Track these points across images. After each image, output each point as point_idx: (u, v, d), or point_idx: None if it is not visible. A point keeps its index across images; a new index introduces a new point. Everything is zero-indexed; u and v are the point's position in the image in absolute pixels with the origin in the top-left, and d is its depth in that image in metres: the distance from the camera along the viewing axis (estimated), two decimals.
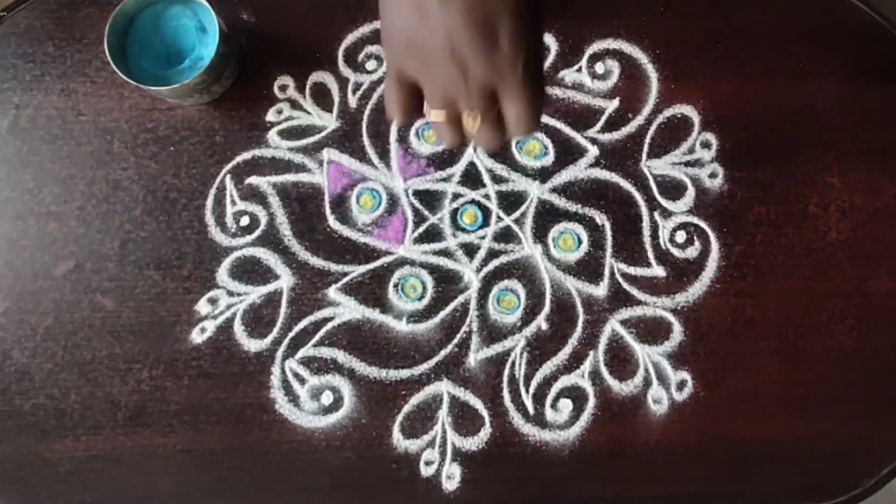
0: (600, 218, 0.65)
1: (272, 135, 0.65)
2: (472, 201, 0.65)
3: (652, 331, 0.64)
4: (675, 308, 0.65)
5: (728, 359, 0.64)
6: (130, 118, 0.65)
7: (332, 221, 0.64)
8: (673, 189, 0.66)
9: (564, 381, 0.64)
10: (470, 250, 0.65)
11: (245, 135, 0.65)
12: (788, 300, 0.65)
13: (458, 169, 0.65)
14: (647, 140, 0.66)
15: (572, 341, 0.64)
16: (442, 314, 0.64)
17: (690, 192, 0.66)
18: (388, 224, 0.65)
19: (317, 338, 0.63)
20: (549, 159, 0.66)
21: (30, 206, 0.64)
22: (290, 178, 0.65)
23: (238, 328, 0.63)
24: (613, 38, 0.67)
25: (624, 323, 0.64)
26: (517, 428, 0.63)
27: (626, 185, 0.66)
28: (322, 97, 0.66)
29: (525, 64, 0.39)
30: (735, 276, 0.65)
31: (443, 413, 0.63)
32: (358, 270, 0.64)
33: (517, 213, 0.65)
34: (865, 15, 0.68)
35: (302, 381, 0.63)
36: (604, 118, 0.66)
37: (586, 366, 0.64)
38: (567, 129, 0.66)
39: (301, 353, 0.63)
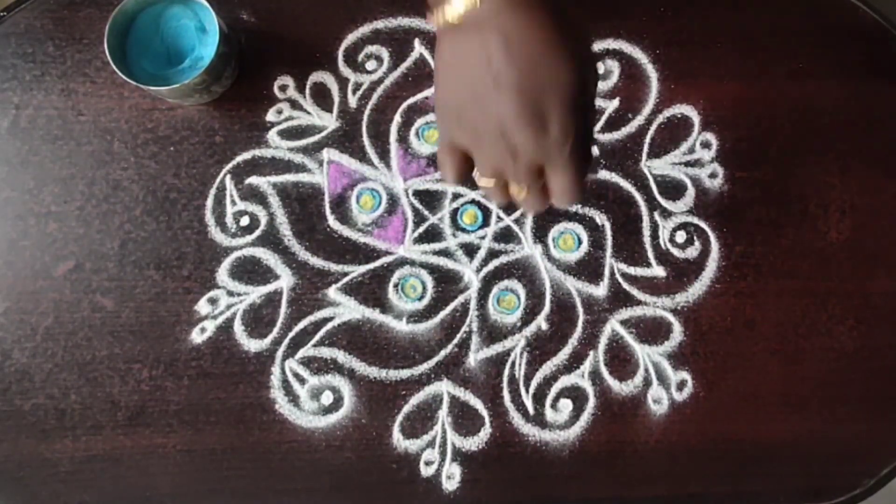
0: (600, 218, 0.65)
1: (272, 135, 0.65)
2: (472, 201, 0.65)
3: (652, 331, 0.64)
4: (675, 308, 0.65)
5: (728, 359, 0.64)
6: (130, 118, 0.65)
7: (332, 221, 0.64)
8: (673, 189, 0.66)
9: (564, 381, 0.64)
10: (470, 250, 0.65)
11: (245, 135, 0.65)
12: (788, 300, 0.65)
13: None
14: (647, 140, 0.66)
15: (572, 341, 0.64)
16: (442, 314, 0.64)
17: (690, 192, 0.66)
18: (388, 224, 0.65)
19: (317, 338, 0.63)
20: None
21: (30, 206, 0.64)
22: (290, 178, 0.65)
23: (238, 328, 0.63)
24: (613, 38, 0.67)
25: (624, 323, 0.64)
26: (517, 428, 0.63)
27: (626, 185, 0.66)
28: (322, 97, 0.66)
29: (572, 146, 0.41)
30: (735, 276, 0.65)
31: (443, 413, 0.63)
32: (358, 270, 0.64)
33: (517, 213, 0.65)
34: (865, 15, 0.68)
35: (302, 381, 0.63)
36: (604, 118, 0.66)
37: (586, 366, 0.64)
38: None
39: (301, 353, 0.63)
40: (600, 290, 0.64)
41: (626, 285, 0.65)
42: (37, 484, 0.62)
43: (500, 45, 0.38)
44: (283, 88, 0.65)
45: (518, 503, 0.64)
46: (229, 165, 0.65)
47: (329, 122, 0.65)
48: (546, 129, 0.40)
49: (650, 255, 0.65)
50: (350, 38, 0.66)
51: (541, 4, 0.38)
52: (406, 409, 0.63)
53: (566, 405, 0.63)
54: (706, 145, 0.66)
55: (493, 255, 0.65)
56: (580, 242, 0.65)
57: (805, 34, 0.68)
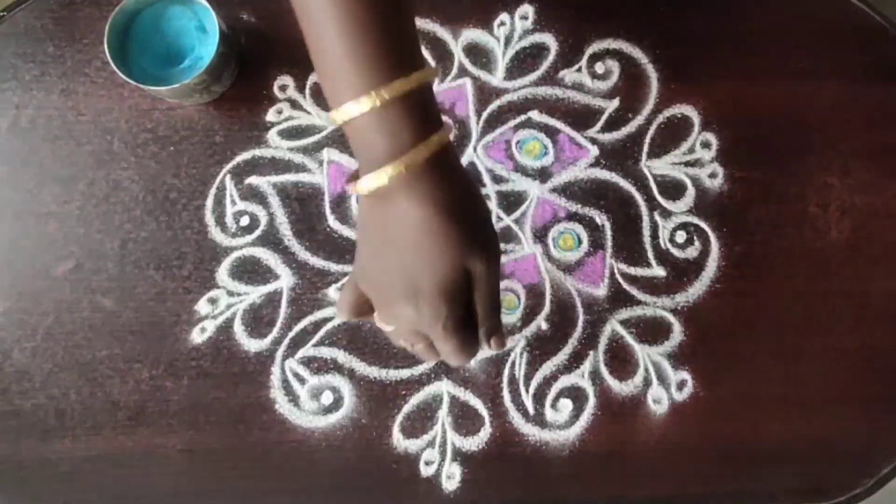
0: (600, 218, 0.65)
1: (272, 135, 0.65)
2: None
3: (652, 331, 0.64)
4: (675, 308, 0.65)
5: (728, 359, 0.64)
6: (130, 118, 0.65)
7: (332, 221, 0.64)
8: (673, 189, 0.66)
9: (564, 381, 0.64)
10: None
11: (245, 135, 0.65)
12: (788, 300, 0.65)
13: None
14: (647, 140, 0.66)
15: (572, 341, 0.64)
16: None
17: (690, 192, 0.66)
18: None
19: (317, 338, 0.63)
20: (549, 159, 0.66)
21: (30, 206, 0.64)
22: (290, 178, 0.65)
23: (238, 328, 0.63)
24: (613, 38, 0.67)
25: (624, 323, 0.64)
26: (517, 428, 0.63)
27: (626, 185, 0.66)
28: (322, 97, 0.65)
29: (445, 326, 0.44)
30: (735, 276, 0.65)
31: (443, 413, 0.63)
32: None
33: (517, 213, 0.65)
34: (865, 15, 0.68)
35: (302, 381, 0.63)
36: (604, 118, 0.66)
37: (586, 366, 0.64)
38: (567, 129, 0.66)
39: (301, 352, 0.63)
40: (600, 290, 0.64)
41: (626, 285, 0.65)
42: (37, 484, 0.62)
43: (397, 225, 0.41)
44: (283, 88, 0.65)
45: (518, 503, 0.64)
46: (229, 165, 0.65)
47: (329, 121, 0.65)
48: (419, 308, 0.43)
49: (650, 255, 0.65)
50: None
51: (438, 195, 0.41)
52: (406, 409, 0.63)
53: (566, 405, 0.63)
54: (706, 145, 0.66)
55: None
56: (580, 242, 0.65)
57: (805, 34, 0.68)
